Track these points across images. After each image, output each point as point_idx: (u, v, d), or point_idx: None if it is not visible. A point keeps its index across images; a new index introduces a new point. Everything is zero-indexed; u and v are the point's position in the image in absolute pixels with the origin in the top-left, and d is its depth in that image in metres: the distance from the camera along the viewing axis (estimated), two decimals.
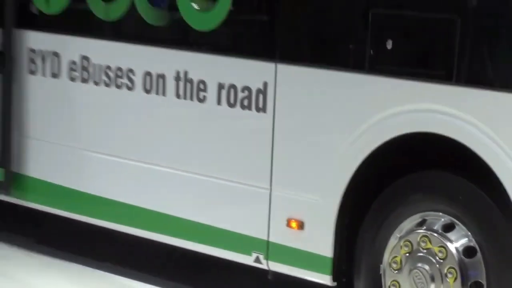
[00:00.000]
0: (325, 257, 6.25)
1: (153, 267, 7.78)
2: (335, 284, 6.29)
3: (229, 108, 6.68)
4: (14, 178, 7.92)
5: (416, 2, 6.16)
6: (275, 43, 6.54)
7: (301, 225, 6.37)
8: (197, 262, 7.49)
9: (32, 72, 7.77)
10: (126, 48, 7.33)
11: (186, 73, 6.89)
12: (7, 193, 7.98)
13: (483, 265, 5.63)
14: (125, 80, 7.25)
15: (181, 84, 6.94)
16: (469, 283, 5.65)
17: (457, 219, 5.75)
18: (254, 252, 6.62)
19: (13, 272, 7.67)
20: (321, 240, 6.27)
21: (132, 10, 7.14)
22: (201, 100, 6.84)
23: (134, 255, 8.01)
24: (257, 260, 6.60)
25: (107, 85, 7.36)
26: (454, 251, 5.68)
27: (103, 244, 8.08)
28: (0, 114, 7.88)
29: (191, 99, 6.89)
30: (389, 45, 6.01)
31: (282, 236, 6.51)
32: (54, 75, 7.65)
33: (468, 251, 5.67)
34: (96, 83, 7.44)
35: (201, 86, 6.83)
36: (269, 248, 6.53)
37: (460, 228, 5.74)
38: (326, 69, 6.26)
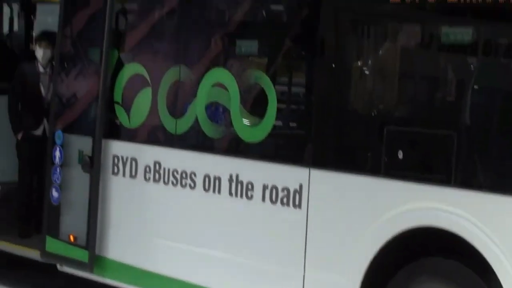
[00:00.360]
0: None
1: None
2: None
3: (271, 205, 6.98)
4: (96, 259, 8.15)
5: (420, 120, 6.50)
6: (308, 152, 6.86)
7: None
8: None
9: (115, 174, 8.11)
10: (190, 155, 7.62)
11: (237, 176, 7.21)
12: (90, 271, 8.18)
13: None
14: (188, 181, 7.56)
15: (233, 184, 7.24)
16: None
17: None
18: None
19: None
20: None
21: (196, 125, 7.54)
22: (249, 198, 7.12)
23: None
24: None
25: (174, 185, 7.66)
26: None
27: None
28: (88, 205, 8.18)
29: (241, 197, 7.18)
30: (400, 155, 6.36)
31: None
32: (132, 176, 7.98)
33: None
34: (165, 183, 7.73)
35: (249, 187, 7.11)
36: None
37: None
38: (349, 174, 6.56)
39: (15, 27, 10.41)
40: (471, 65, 6.27)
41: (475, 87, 6.15)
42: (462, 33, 6.21)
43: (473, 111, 6.15)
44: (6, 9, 10.15)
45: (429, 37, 6.64)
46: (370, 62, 6.90)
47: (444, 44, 6.36)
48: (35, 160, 9.18)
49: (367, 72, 6.89)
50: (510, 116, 5.94)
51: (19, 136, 9.33)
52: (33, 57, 9.56)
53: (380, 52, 6.80)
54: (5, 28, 10.35)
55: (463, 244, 5.88)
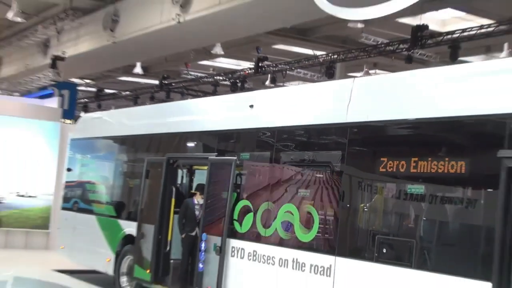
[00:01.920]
0: None
1: None
2: None
3: (315, 274, 7.26)
4: None
5: (396, 234, 6.93)
6: (335, 248, 7.17)
7: None
8: None
9: (232, 256, 8.52)
10: (272, 248, 7.95)
11: (297, 259, 7.51)
12: None
13: None
14: (271, 261, 7.87)
15: (294, 263, 7.53)
16: None
17: None
18: None
19: None
20: None
21: (275, 232, 7.95)
22: (303, 270, 7.40)
23: None
24: None
25: (263, 263, 7.99)
26: None
27: None
28: (217, 272, 8.56)
29: (299, 270, 7.47)
30: (384, 250, 6.77)
31: None
32: (242, 258, 8.36)
33: None
34: (258, 262, 8.06)
35: (303, 264, 7.41)
36: None
37: None
38: (357, 260, 6.92)
39: (184, 180, 10.92)
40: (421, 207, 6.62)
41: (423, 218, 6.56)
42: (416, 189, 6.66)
43: (422, 230, 6.55)
44: (180, 172, 10.69)
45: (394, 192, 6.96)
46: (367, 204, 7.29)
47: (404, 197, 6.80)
48: (191, 248, 9.48)
49: (366, 209, 7.19)
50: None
51: (183, 235, 9.82)
52: (191, 196, 10.06)
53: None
54: (179, 181, 10.73)
55: None
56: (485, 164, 6.05)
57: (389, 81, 7.80)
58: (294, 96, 8.70)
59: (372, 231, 7.05)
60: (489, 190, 6.01)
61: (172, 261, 10.06)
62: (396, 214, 6.94)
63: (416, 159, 6.52)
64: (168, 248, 10.08)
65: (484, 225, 5.97)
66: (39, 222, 16.34)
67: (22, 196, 16.38)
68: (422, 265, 6.35)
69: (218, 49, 17.69)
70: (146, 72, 22.78)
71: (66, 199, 13.18)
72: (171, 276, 9.96)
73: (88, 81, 26.28)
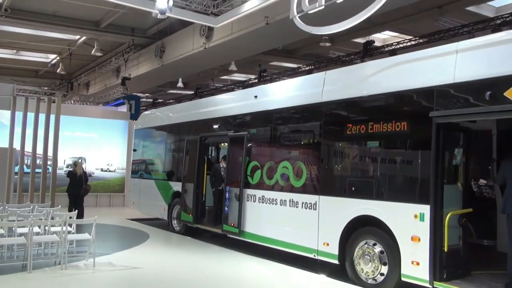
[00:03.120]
0: (335, 254, 6.45)
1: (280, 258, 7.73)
2: (338, 263, 6.43)
3: (305, 209, 6.98)
4: (241, 231, 8.19)
5: (361, 176, 6.58)
6: (318, 188, 6.86)
7: (328, 244, 6.55)
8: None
9: (248, 201, 8.17)
10: (274, 193, 7.62)
11: (292, 199, 7.24)
12: (239, 236, 8.21)
13: (386, 256, 5.83)
14: (274, 202, 7.58)
15: (291, 202, 7.26)
16: (382, 262, 5.85)
17: (377, 241, 5.95)
18: (313, 253, 6.79)
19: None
20: (334, 248, 6.47)
21: (276, 181, 7.62)
22: (297, 207, 7.13)
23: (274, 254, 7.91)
24: (314, 256, 6.76)
25: (269, 204, 7.68)
26: (377, 252, 5.91)
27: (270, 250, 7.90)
28: (238, 212, 8.27)
29: (294, 206, 7.20)
30: (353, 188, 6.41)
31: (322, 248, 6.64)
32: (254, 201, 8.03)
33: (381, 252, 5.89)
34: (266, 203, 7.76)
35: (297, 203, 7.14)
36: (318, 252, 6.72)
37: (379, 244, 5.93)
38: (335, 197, 6.58)
39: (213, 153, 10.60)
40: (377, 156, 6.28)
41: (379, 164, 6.15)
42: (373, 143, 6.30)
43: (379, 172, 6.15)
44: (210, 147, 10.43)
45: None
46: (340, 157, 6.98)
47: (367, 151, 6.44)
48: (220, 198, 9.15)
49: (339, 161, 6.89)
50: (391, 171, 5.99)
51: (213, 189, 9.51)
52: (218, 162, 9.73)
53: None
54: (209, 153, 10.45)
55: (378, 221, 5.91)
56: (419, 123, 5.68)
57: (349, 71, 7.37)
58: (285, 87, 8.29)
59: (344, 176, 6.75)
60: (423, 140, 5.65)
61: (207, 207, 9.76)
62: (360, 162, 6.58)
63: (372, 123, 6.20)
64: (203, 199, 9.78)
65: (422, 164, 5.61)
66: (117, 188, 16.24)
67: (105, 171, 16.28)
68: (380, 197, 6.03)
69: (233, 67, 17.39)
70: (186, 86, 22.60)
71: (133, 171, 12.90)
72: (207, 218, 9.68)
73: (147, 94, 26.27)
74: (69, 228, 7.46)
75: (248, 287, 6.00)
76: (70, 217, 6.96)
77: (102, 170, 16.14)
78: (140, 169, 12.38)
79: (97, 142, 16.12)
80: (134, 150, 12.89)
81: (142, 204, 11.99)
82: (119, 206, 15.76)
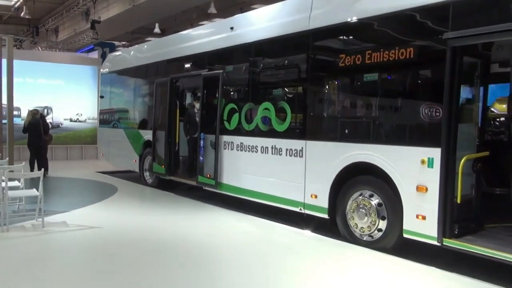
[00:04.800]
0: (325, 208, 5.57)
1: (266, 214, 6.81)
2: (328, 218, 5.57)
3: (290, 157, 6.02)
4: (218, 183, 7.25)
5: (356, 117, 5.52)
6: (305, 134, 5.88)
7: (316, 196, 5.67)
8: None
9: (225, 149, 7.17)
10: (254, 139, 6.62)
11: (275, 145, 6.26)
12: (216, 188, 7.29)
13: (385, 209, 4.94)
14: (254, 149, 6.61)
15: (273, 149, 6.28)
16: (380, 216, 4.96)
17: (374, 192, 5.07)
18: (299, 206, 5.91)
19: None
20: (323, 201, 5.57)
21: (257, 126, 6.60)
22: (280, 154, 6.17)
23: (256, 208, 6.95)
24: (300, 209, 5.90)
25: (248, 151, 6.72)
26: (374, 204, 5.02)
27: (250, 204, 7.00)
28: (214, 162, 7.29)
29: (277, 154, 6.23)
30: (346, 131, 5.39)
31: (309, 200, 5.76)
32: (231, 149, 7.03)
33: (379, 204, 5.00)
34: (245, 151, 6.78)
35: (280, 149, 6.17)
36: (304, 205, 5.84)
37: (376, 195, 5.05)
38: (324, 141, 5.61)
39: (186, 97, 9.35)
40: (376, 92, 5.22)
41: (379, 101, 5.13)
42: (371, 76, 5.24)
43: (379, 111, 5.16)
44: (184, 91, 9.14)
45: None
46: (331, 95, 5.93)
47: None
48: (195, 147, 8.07)
49: (330, 100, 5.86)
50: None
51: (188, 137, 8.44)
52: (193, 107, 8.57)
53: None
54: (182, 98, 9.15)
55: (376, 169, 4.95)
56: (430, 49, 4.58)
57: None
58: (265, 15, 6.98)
59: (336, 116, 5.72)
60: (434, 70, 4.60)
61: (181, 157, 8.70)
62: (355, 100, 5.52)
63: (371, 51, 5.06)
64: (177, 148, 8.70)
65: (432, 99, 4.56)
66: (89, 139, 14.99)
67: (75, 121, 14.98)
68: (379, 140, 5.02)
69: (212, 9, 16.05)
70: (163, 32, 21.04)
71: (102, 120, 11.62)
72: (181, 169, 8.62)
73: (124, 42, 24.59)
74: (17, 183, 6.41)
75: (226, 246, 5.02)
76: (11, 171, 5.82)
77: (71, 120, 14.88)
78: (108, 117, 11.15)
79: (64, 90, 14.75)
80: (101, 97, 11.57)
81: (112, 156, 10.88)
82: (92, 159, 14.58)
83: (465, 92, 4.65)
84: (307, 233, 5.71)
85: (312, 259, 4.63)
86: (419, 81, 4.92)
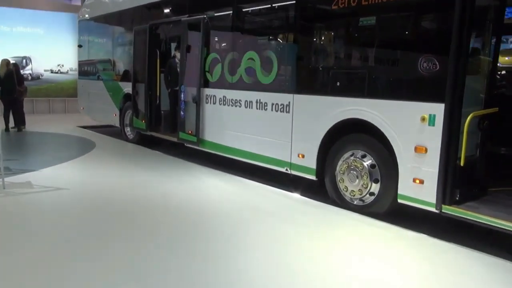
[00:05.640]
0: (313, 168, 5.06)
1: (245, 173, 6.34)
2: (316, 179, 5.09)
3: (276, 112, 5.45)
4: (200, 140, 6.69)
5: (348, 67, 4.87)
6: (293, 87, 5.26)
7: (303, 156, 5.16)
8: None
9: (207, 103, 6.58)
10: (238, 92, 6.01)
11: (260, 100, 5.68)
12: (198, 146, 6.74)
13: (378, 172, 4.40)
14: (238, 103, 6.02)
15: (258, 103, 5.70)
16: (373, 179, 4.43)
17: (367, 152, 4.52)
18: (286, 167, 5.40)
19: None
20: (311, 161, 5.06)
21: (241, 78, 5.96)
22: (265, 110, 5.58)
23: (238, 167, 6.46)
24: (286, 170, 5.39)
25: (232, 106, 6.12)
26: (366, 166, 4.46)
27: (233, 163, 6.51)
28: (196, 117, 6.71)
29: (262, 109, 5.65)
30: (338, 84, 4.80)
31: (296, 160, 5.25)
32: (214, 103, 6.44)
33: (372, 166, 4.46)
34: (228, 105, 6.19)
35: (265, 104, 5.59)
36: (291, 165, 5.32)
37: (369, 156, 4.51)
38: (313, 95, 5.01)
39: (167, 46, 8.55)
40: (373, 38, 4.57)
41: (377, 49, 4.51)
42: (368, 20, 4.58)
43: (376, 60, 4.54)
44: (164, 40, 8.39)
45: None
46: (323, 43, 5.28)
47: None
48: (176, 99, 7.39)
49: (322, 48, 5.22)
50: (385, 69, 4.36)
51: (169, 90, 7.78)
52: (174, 57, 7.79)
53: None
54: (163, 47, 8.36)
55: (370, 126, 4.37)
56: None
57: None
58: None
59: (326, 67, 5.09)
60: (438, 14, 3.94)
61: (162, 112, 8.05)
62: (348, 49, 4.88)
63: None
64: (158, 102, 8.04)
65: (435, 47, 3.94)
66: (72, 92, 14.09)
67: (56, 73, 14.11)
68: (374, 94, 4.43)
69: None
70: None
71: (81, 71, 10.82)
72: (163, 124, 8.02)
73: None
74: None
75: (210, 212, 4.51)
76: None
77: (52, 71, 14.04)
78: (87, 68, 10.39)
79: (44, 40, 13.80)
80: (80, 46, 10.73)
81: (92, 109, 10.22)
82: (76, 113, 13.81)
83: (474, 41, 4.04)
84: (295, 196, 5.24)
85: (301, 226, 4.15)
86: (423, 27, 4.28)
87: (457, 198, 3.94)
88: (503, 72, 6.33)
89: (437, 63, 3.91)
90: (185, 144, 7.09)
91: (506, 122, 4.99)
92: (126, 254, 3.32)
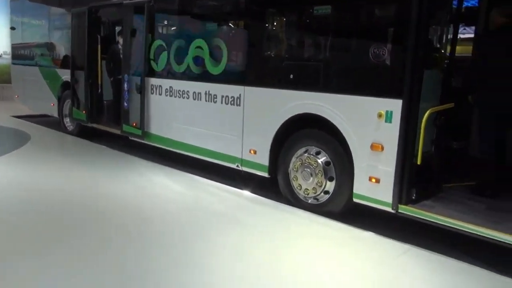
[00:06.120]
0: (265, 165, 4.78)
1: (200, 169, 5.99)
2: (269, 176, 4.82)
3: (226, 105, 5.10)
4: (145, 133, 6.25)
5: (303, 59, 4.60)
6: (244, 78, 4.93)
7: (255, 152, 4.87)
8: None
9: (152, 93, 6.12)
10: (185, 83, 5.62)
11: (209, 91, 5.31)
12: (143, 139, 6.30)
13: (333, 169, 4.17)
14: (185, 95, 5.62)
15: (207, 96, 5.34)
16: (328, 177, 4.18)
17: (322, 149, 4.28)
18: (236, 163, 5.09)
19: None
20: (263, 158, 4.78)
21: (188, 67, 5.55)
22: (215, 102, 5.23)
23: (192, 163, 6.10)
24: (237, 166, 5.08)
25: (179, 97, 5.71)
26: (321, 163, 4.22)
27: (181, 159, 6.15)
28: (140, 108, 6.25)
29: (211, 101, 5.29)
30: (291, 76, 4.51)
31: (247, 157, 4.95)
32: (160, 94, 6.00)
33: (327, 163, 4.22)
34: (175, 97, 5.77)
35: (215, 96, 5.23)
36: (242, 162, 5.02)
37: (324, 153, 4.26)
38: (265, 88, 4.70)
39: (108, 31, 7.98)
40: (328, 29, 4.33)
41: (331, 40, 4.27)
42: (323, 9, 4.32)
43: (330, 52, 4.29)
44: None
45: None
46: (276, 32, 4.97)
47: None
48: (119, 86, 6.82)
49: (274, 38, 4.92)
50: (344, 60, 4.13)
51: (111, 79, 7.23)
52: (117, 43, 7.28)
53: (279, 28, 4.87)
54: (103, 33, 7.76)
55: (325, 122, 4.12)
56: None
57: None
58: None
59: (279, 58, 4.80)
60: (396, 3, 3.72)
61: (104, 102, 7.48)
62: (303, 39, 4.61)
63: None
64: (99, 91, 7.44)
65: (393, 41, 3.76)
66: (6, 77, 12.92)
67: None
68: (329, 88, 4.19)
69: None
70: None
71: (14, 55, 9.85)
72: (105, 116, 7.45)
73: None
74: None
75: (155, 213, 4.12)
76: None
77: None
78: (21, 52, 9.50)
79: None
80: (12, 28, 9.77)
81: (28, 98, 9.38)
82: (11, 100, 12.71)
83: (432, 31, 3.89)
84: (247, 194, 4.95)
85: (251, 227, 3.87)
86: (379, 17, 4.07)
87: (413, 198, 3.82)
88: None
89: (394, 56, 3.73)
90: (130, 137, 6.60)
91: (458, 116, 4.94)
92: (56, 263, 2.89)
